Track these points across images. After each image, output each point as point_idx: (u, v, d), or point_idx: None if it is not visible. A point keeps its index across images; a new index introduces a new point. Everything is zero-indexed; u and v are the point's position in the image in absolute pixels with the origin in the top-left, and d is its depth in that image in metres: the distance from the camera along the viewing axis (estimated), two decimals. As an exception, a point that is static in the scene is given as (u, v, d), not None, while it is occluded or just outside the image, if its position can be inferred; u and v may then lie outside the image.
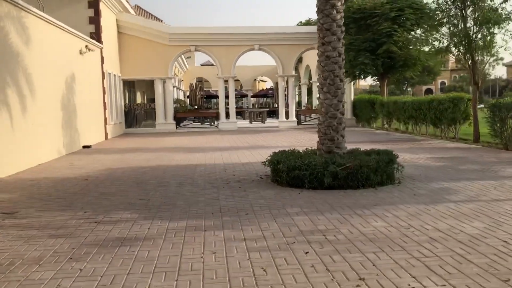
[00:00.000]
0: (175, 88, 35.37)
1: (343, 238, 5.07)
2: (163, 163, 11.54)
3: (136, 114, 26.84)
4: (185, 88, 45.33)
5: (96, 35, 19.32)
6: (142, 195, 7.64)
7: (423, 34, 21.63)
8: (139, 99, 35.98)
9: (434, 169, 9.76)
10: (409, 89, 63.66)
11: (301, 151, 9.22)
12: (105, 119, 19.80)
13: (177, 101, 29.27)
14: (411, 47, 21.73)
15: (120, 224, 5.89)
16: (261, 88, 59.37)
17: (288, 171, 7.75)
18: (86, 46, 16.57)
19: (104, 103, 19.78)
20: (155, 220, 6.06)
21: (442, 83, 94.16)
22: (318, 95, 8.67)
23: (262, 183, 8.41)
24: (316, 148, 8.94)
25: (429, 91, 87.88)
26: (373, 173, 7.68)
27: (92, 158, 13.01)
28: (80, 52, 16.30)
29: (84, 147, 16.14)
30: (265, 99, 58.96)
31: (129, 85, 30.53)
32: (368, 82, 66.04)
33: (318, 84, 8.55)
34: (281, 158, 8.12)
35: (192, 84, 38.34)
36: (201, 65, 55.84)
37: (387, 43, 20.81)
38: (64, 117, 14.30)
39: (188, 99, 38.86)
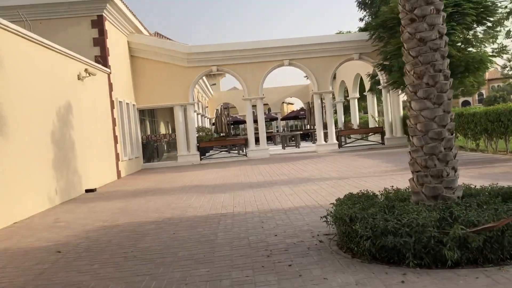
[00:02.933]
0: (199, 116, 32.71)
1: None
2: (176, 214, 8.43)
3: (157, 146, 24.09)
4: (211, 115, 42.75)
5: (102, 58, 16.73)
6: (128, 290, 4.51)
7: (485, 31, 18.25)
8: (162, 130, 33.51)
9: None
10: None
11: (378, 193, 5.96)
12: (117, 155, 17.01)
13: (200, 129, 26.45)
14: (469, 49, 18.30)
15: None
16: (290, 111, 56.33)
17: (375, 237, 4.48)
18: (86, 70, 13.89)
19: (115, 136, 17.03)
20: None
21: (480, 94, 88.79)
22: (408, 105, 5.42)
23: (325, 253, 5.13)
24: (409, 188, 5.68)
25: (466, 103, 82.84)
26: (526, 235, 4.33)
27: (87, 209, 10.04)
28: (79, 77, 13.62)
29: (87, 191, 13.27)
30: (294, 121, 55.77)
31: (150, 115, 28.03)
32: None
33: (407, 86, 5.33)
34: (356, 212, 4.87)
35: (218, 110, 35.72)
36: (228, 90, 53.27)
37: (444, 45, 17.39)
38: (57, 157, 11.49)
39: (213, 126, 36.13)
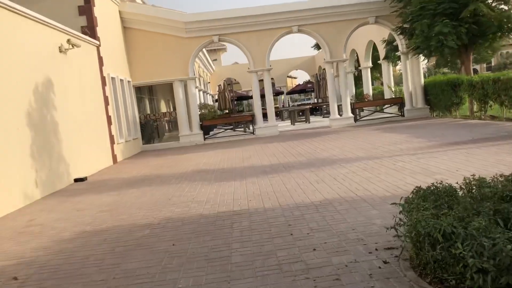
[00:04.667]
0: (201, 92, 30.83)
1: None
2: (177, 213, 6.71)
3: (157, 126, 22.32)
4: (213, 91, 40.86)
5: (90, 29, 14.81)
6: None
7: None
8: (163, 108, 31.74)
9: None
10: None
11: (458, 185, 4.21)
12: (111, 137, 15.26)
13: (203, 106, 24.59)
14: (501, 6, 16.23)
15: None
16: (294, 85, 54.19)
17: (499, 271, 2.72)
18: (69, 41, 12.02)
19: (108, 117, 15.25)
20: None
21: (488, 62, 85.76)
22: None
23: (401, 286, 3.39)
24: (497, 177, 3.92)
25: (474, 72, 79.80)
26: None
27: (71, 206, 8.35)
28: (60, 50, 11.76)
29: (77, 180, 11.59)
30: (298, 95, 53.48)
31: (149, 93, 26.22)
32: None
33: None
34: (453, 225, 3.11)
35: (220, 85, 33.79)
36: (231, 65, 51.02)
37: (474, 2, 15.37)
38: (35, 143, 9.75)
39: (216, 103, 34.26)
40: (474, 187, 4.18)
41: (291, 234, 4.96)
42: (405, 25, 18.01)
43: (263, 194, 7.28)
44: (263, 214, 6.02)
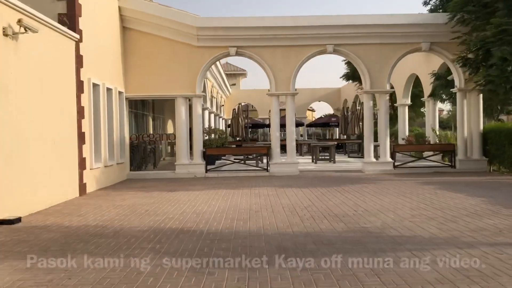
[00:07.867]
0: (213, 115, 27.33)
1: None
2: None
3: (153, 149, 18.69)
4: (227, 115, 37.37)
5: (69, 18, 11.39)
6: None
7: None
8: (170, 129, 28.26)
9: None
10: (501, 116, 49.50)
11: None
12: (82, 161, 11.60)
13: (212, 130, 20.94)
14: None
15: None
16: (314, 117, 50.53)
17: None
18: (20, 22, 8.48)
19: (81, 133, 11.64)
20: None
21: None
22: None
23: None
24: None
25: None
26: None
27: None
28: (5, 33, 8.23)
29: (3, 222, 7.87)
30: (315, 129, 48.96)
31: (153, 109, 22.75)
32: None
33: None
34: None
35: (235, 109, 30.27)
36: (250, 89, 47.64)
37: None
38: None
39: (229, 129, 30.66)
40: None
41: None
42: (469, 55, 14.32)
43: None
44: None
